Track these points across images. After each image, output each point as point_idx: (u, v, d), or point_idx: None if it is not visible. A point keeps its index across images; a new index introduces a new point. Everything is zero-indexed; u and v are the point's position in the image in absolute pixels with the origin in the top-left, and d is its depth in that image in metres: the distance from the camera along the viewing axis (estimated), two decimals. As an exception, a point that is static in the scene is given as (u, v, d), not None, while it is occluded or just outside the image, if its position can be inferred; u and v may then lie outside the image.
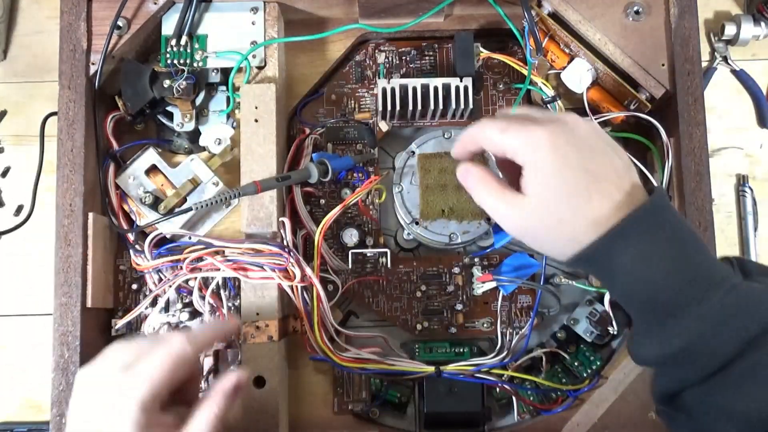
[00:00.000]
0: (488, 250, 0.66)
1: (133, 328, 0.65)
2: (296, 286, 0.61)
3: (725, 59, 0.76)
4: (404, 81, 0.66)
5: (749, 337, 0.42)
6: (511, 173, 0.50)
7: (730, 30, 0.75)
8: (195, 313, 0.64)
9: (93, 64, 0.64)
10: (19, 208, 0.75)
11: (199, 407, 0.49)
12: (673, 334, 0.44)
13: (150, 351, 0.49)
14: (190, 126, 0.66)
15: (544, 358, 0.65)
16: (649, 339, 0.46)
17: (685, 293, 0.44)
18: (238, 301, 0.63)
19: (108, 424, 0.46)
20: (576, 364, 0.65)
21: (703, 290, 0.44)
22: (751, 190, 0.74)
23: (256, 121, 0.62)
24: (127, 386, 0.47)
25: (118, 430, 0.46)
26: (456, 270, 0.66)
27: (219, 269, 0.60)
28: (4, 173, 0.75)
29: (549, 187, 0.46)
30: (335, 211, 0.61)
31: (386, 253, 0.65)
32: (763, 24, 0.75)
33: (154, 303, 0.63)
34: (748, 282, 0.45)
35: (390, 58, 0.70)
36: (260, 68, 0.65)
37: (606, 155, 0.47)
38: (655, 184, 0.64)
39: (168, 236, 0.63)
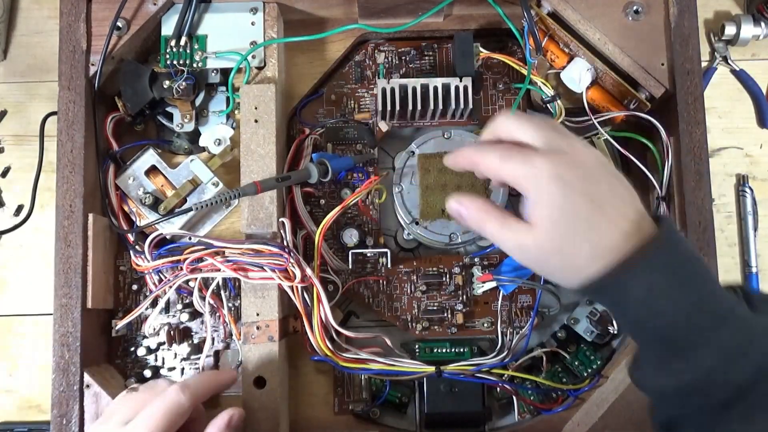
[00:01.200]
0: (488, 250, 0.66)
1: (134, 329, 0.65)
2: (296, 287, 0.60)
3: (725, 59, 0.76)
4: (404, 81, 0.66)
5: (759, 370, 0.43)
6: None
7: (730, 30, 0.75)
8: (195, 314, 0.65)
9: (92, 64, 0.64)
10: (19, 208, 0.75)
11: None
12: (684, 368, 0.44)
13: (147, 404, 0.52)
14: (189, 126, 0.66)
15: (544, 358, 0.65)
16: (656, 369, 0.46)
17: (698, 327, 0.44)
18: (239, 301, 0.63)
19: None
20: (576, 363, 0.65)
21: (715, 323, 0.44)
22: (751, 190, 0.74)
23: (256, 121, 0.62)
24: None
25: None
26: (456, 270, 0.66)
27: (219, 270, 0.60)
28: (4, 173, 0.75)
29: (554, 219, 0.46)
30: (335, 212, 0.61)
31: (386, 253, 0.65)
32: (763, 24, 0.75)
33: (154, 304, 0.63)
34: (754, 314, 0.45)
35: (390, 58, 0.70)
36: (260, 69, 0.65)
37: (610, 183, 0.47)
38: (656, 186, 0.64)
39: (168, 237, 0.63)
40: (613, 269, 0.45)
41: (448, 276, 0.67)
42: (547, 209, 0.46)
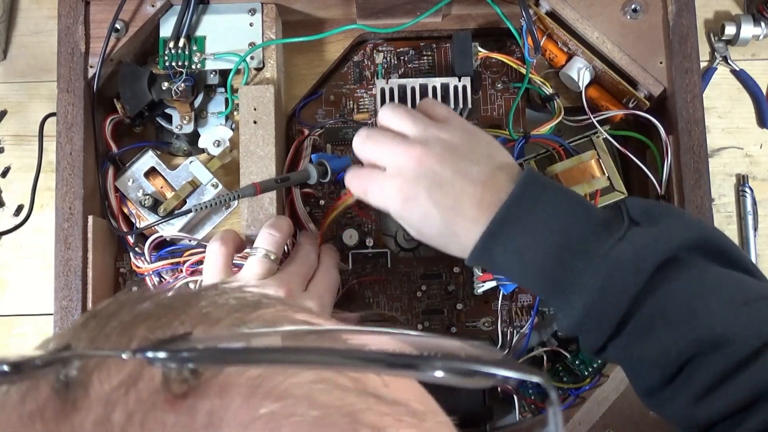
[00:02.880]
0: (488, 250, 0.66)
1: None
2: (296, 288, 0.60)
3: (725, 59, 0.76)
4: (403, 81, 0.66)
5: (629, 299, 0.46)
6: None
7: (730, 30, 0.75)
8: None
9: (91, 67, 0.64)
10: (19, 208, 0.75)
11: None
12: (568, 311, 0.49)
13: (309, 269, 0.59)
14: (188, 128, 0.66)
15: (545, 357, 0.65)
16: (559, 316, 0.51)
17: (564, 273, 0.48)
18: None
19: None
20: (577, 362, 0.65)
21: (576, 264, 0.48)
22: (751, 190, 0.74)
23: (255, 122, 0.62)
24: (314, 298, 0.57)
25: None
26: (456, 270, 0.66)
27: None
28: (4, 173, 0.75)
29: (418, 231, 0.53)
30: (332, 215, 0.62)
31: (386, 253, 0.65)
32: (763, 24, 0.75)
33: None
34: (622, 245, 0.48)
35: (388, 59, 0.70)
36: (258, 70, 0.65)
37: (455, 176, 0.51)
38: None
39: (168, 239, 0.63)
40: (476, 248, 0.50)
41: (448, 276, 0.67)
42: (410, 228, 0.54)
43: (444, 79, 0.65)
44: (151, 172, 0.65)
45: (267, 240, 0.56)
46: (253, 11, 0.65)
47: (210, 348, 0.19)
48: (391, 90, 0.65)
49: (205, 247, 0.60)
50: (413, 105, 0.65)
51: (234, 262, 0.59)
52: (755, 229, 0.74)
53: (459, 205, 0.50)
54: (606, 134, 0.65)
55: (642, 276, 0.46)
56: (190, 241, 0.63)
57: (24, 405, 0.19)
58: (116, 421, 0.18)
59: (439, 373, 0.18)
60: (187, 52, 0.65)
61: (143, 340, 0.20)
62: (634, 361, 0.49)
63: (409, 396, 0.21)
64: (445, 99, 0.66)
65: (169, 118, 0.66)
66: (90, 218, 0.62)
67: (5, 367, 0.18)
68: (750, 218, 0.73)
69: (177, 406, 0.18)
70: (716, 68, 0.76)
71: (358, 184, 0.55)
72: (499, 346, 0.65)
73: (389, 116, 0.55)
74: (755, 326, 0.45)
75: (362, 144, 0.55)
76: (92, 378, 0.19)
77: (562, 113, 0.65)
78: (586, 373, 0.64)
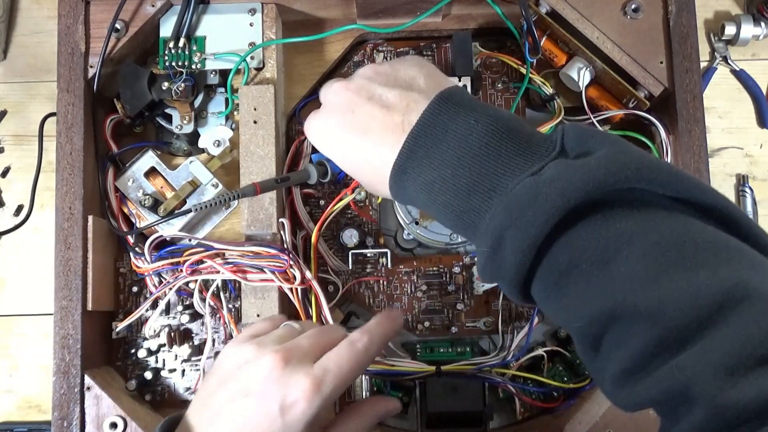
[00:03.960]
0: (488, 250, 0.66)
1: (134, 331, 0.65)
2: (296, 289, 0.60)
3: (725, 59, 0.76)
4: (403, 81, 0.65)
5: (529, 245, 0.39)
6: None
7: (730, 30, 0.75)
8: (195, 316, 0.64)
9: (91, 67, 0.64)
10: (19, 208, 0.75)
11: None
12: (478, 254, 0.44)
13: (327, 345, 0.47)
14: (189, 128, 0.66)
15: (545, 357, 0.65)
16: (478, 256, 0.45)
17: (470, 211, 0.43)
18: (239, 302, 0.63)
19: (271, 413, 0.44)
20: (578, 362, 0.65)
21: (480, 204, 0.42)
22: (751, 190, 0.74)
23: (255, 122, 0.62)
24: (312, 377, 0.44)
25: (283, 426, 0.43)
26: (456, 269, 0.66)
27: (219, 272, 0.60)
28: (4, 173, 0.75)
29: (338, 162, 0.52)
30: (327, 214, 0.62)
31: (386, 253, 0.65)
32: (763, 24, 0.75)
33: (154, 305, 0.63)
34: (531, 178, 0.41)
35: (388, 59, 0.70)
36: (258, 70, 0.65)
37: (369, 101, 0.49)
38: None
39: (168, 239, 0.63)
40: (391, 179, 0.47)
41: (448, 276, 0.67)
42: (334, 159, 0.52)
43: (444, 79, 0.65)
44: (151, 172, 0.65)
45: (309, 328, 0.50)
46: (253, 11, 0.65)
47: None
48: (391, 90, 0.65)
49: (205, 247, 0.60)
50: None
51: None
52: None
53: (369, 129, 0.48)
54: (606, 134, 0.65)
55: (541, 220, 0.38)
56: (190, 240, 0.63)
57: None
58: None
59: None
60: (187, 52, 0.65)
61: None
62: (549, 308, 0.42)
63: None
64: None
65: (169, 118, 0.66)
66: (90, 218, 0.62)
67: None
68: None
69: None
70: (716, 68, 0.76)
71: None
72: (499, 346, 0.64)
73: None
74: (686, 298, 0.35)
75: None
76: None
77: (562, 113, 0.65)
78: (587, 373, 0.64)
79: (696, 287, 0.35)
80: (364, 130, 0.48)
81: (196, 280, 0.62)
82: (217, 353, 0.64)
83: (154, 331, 0.64)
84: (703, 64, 0.74)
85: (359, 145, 0.49)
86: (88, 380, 0.60)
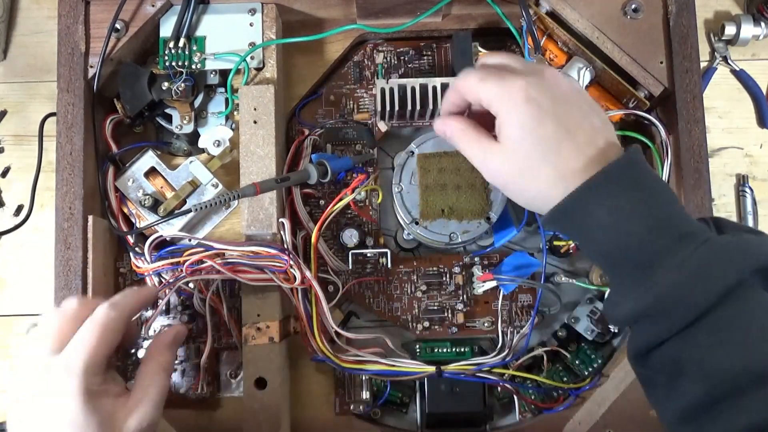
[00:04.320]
0: (488, 250, 0.66)
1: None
2: (296, 289, 0.60)
3: (725, 59, 0.76)
4: (403, 81, 0.65)
5: (724, 289, 0.42)
6: (489, 125, 0.51)
7: (730, 30, 0.75)
8: (195, 316, 0.64)
9: (91, 66, 0.64)
10: (19, 208, 0.75)
11: (143, 363, 0.52)
12: (647, 288, 0.43)
13: (76, 327, 0.49)
14: (189, 128, 0.66)
15: (545, 357, 0.65)
16: (624, 296, 0.45)
17: (660, 244, 0.44)
18: (239, 302, 0.63)
19: (53, 407, 0.47)
20: (577, 362, 0.65)
21: (677, 241, 0.44)
22: (751, 190, 0.74)
23: (255, 122, 0.62)
24: (62, 366, 0.47)
25: (65, 409, 0.46)
26: (456, 269, 0.66)
27: (219, 272, 0.60)
28: (4, 173, 0.75)
29: (520, 138, 0.48)
30: (328, 212, 0.62)
31: (386, 253, 0.65)
32: (763, 24, 0.75)
33: (154, 305, 0.63)
34: (723, 236, 0.45)
35: (388, 59, 0.70)
36: (258, 70, 0.65)
37: (581, 110, 0.48)
38: None
39: (168, 239, 0.63)
40: (576, 192, 0.45)
41: (448, 276, 0.67)
42: (515, 128, 0.48)
43: (444, 79, 0.65)
44: (151, 172, 0.65)
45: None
46: (253, 11, 0.65)
47: None
48: (391, 90, 0.65)
49: (205, 247, 0.60)
50: (413, 105, 0.65)
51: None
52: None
53: (575, 132, 0.47)
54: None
55: (741, 270, 0.42)
56: (190, 240, 0.63)
57: None
58: None
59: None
60: (187, 52, 0.65)
61: None
62: (683, 369, 0.43)
63: None
64: (445, 99, 0.66)
65: (169, 118, 0.66)
66: (90, 218, 0.62)
67: None
68: (750, 218, 0.73)
69: None
70: (716, 68, 0.76)
71: (477, 76, 0.50)
72: (499, 345, 0.64)
73: (499, 55, 0.53)
74: None
75: (479, 72, 0.51)
76: None
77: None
78: (586, 373, 0.65)
79: None
80: (568, 128, 0.47)
81: (196, 280, 0.62)
82: (217, 350, 0.64)
83: (155, 331, 0.64)
84: (703, 64, 0.74)
85: (558, 135, 0.47)
86: (88, 380, 0.60)
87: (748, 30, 0.74)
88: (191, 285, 0.62)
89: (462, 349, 0.66)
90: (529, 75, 0.48)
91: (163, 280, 0.63)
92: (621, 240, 0.45)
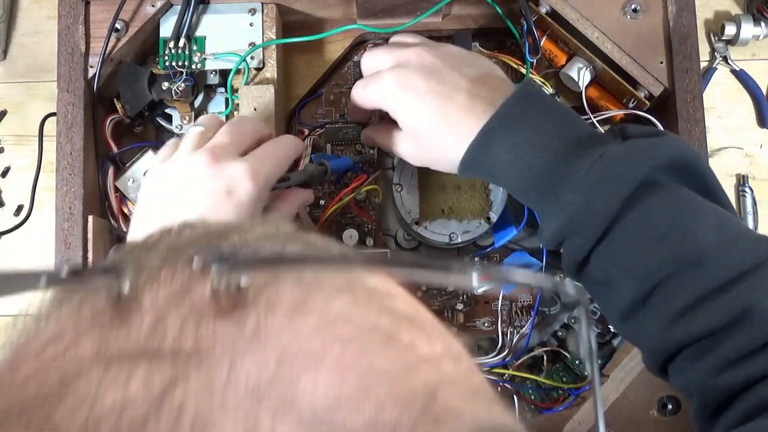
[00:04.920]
0: (488, 250, 0.66)
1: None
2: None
3: (725, 59, 0.76)
4: (403, 81, 0.65)
5: (622, 196, 0.45)
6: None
7: (730, 30, 0.75)
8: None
9: (91, 67, 0.64)
10: (19, 208, 0.74)
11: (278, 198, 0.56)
12: (556, 212, 0.47)
13: (253, 139, 0.54)
14: (189, 128, 0.66)
15: (545, 357, 0.65)
16: (544, 222, 0.50)
17: (559, 168, 0.47)
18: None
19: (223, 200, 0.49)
20: (577, 362, 0.65)
21: (574, 161, 0.47)
22: (751, 190, 0.74)
23: (255, 122, 0.62)
24: (247, 168, 0.49)
25: (235, 206, 0.49)
26: (456, 270, 0.66)
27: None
28: (4, 173, 0.75)
29: (410, 120, 0.52)
30: (328, 212, 0.62)
31: (386, 253, 0.65)
32: (763, 24, 0.74)
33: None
34: (618, 146, 0.48)
35: (388, 59, 0.70)
36: (258, 70, 0.65)
37: (453, 71, 0.52)
38: None
39: (168, 238, 0.63)
40: (473, 143, 0.50)
41: (448, 276, 0.66)
42: (403, 116, 0.53)
43: (444, 79, 0.65)
44: (151, 172, 0.65)
45: (211, 122, 0.55)
46: (253, 11, 0.65)
47: (263, 255, 0.20)
48: (391, 90, 0.65)
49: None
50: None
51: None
52: (755, 230, 0.74)
53: (454, 95, 0.51)
54: (606, 134, 0.65)
55: (636, 176, 0.46)
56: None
57: (80, 311, 0.20)
58: (170, 326, 0.19)
59: (474, 276, 0.20)
60: (187, 52, 0.65)
61: (190, 258, 0.20)
62: (613, 275, 0.47)
63: (434, 321, 0.23)
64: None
65: (169, 118, 0.66)
66: (90, 218, 0.62)
67: (64, 273, 0.20)
68: (750, 218, 0.73)
69: (226, 318, 0.19)
70: (716, 68, 0.76)
71: (361, 85, 0.55)
72: (499, 345, 0.64)
73: (371, 56, 0.57)
74: (740, 251, 0.45)
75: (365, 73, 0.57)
76: (144, 290, 0.20)
77: (562, 113, 0.65)
78: (586, 373, 0.64)
79: (748, 244, 0.46)
80: (447, 94, 0.51)
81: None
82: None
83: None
84: (703, 64, 0.74)
85: (440, 105, 0.51)
86: (88, 380, 0.60)
87: (748, 30, 0.74)
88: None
89: (462, 349, 0.66)
90: (397, 65, 0.53)
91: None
92: (525, 174, 0.49)
